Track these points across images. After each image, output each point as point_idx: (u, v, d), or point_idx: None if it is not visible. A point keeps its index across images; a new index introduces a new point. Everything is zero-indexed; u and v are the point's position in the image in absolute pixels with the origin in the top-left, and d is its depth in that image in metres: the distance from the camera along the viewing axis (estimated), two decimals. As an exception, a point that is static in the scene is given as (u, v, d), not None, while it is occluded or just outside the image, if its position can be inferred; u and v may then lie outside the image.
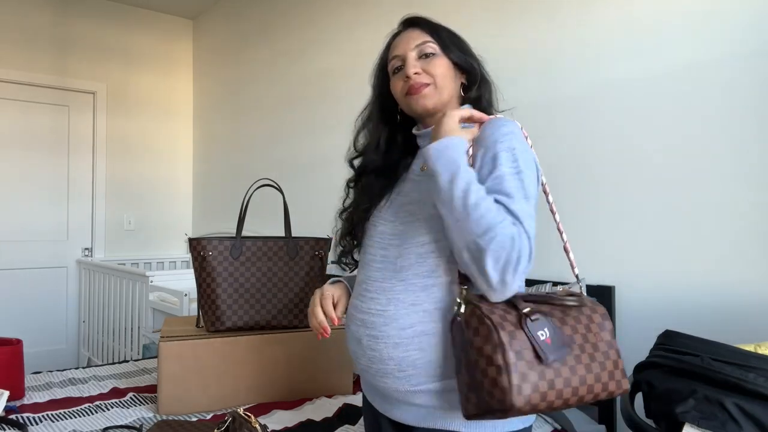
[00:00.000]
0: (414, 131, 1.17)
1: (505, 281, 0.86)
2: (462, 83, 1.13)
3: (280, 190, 2.02)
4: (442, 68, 1.08)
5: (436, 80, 1.07)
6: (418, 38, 1.10)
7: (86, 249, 4.19)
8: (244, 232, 1.95)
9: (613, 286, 1.81)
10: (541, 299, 0.92)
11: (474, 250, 0.87)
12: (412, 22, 1.14)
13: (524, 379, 0.81)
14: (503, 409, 0.82)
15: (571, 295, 0.94)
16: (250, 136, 3.89)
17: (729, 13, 1.59)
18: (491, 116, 1.05)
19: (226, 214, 4.09)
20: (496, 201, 0.90)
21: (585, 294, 0.98)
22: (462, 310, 0.92)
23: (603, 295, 1.82)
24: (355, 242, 1.19)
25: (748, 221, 1.54)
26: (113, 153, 4.26)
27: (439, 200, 0.94)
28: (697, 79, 1.65)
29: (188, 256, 4.29)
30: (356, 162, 1.24)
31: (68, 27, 4.09)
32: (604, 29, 1.88)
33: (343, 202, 1.25)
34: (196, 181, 4.61)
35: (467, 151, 0.96)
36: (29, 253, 3.95)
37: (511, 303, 0.90)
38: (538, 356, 0.83)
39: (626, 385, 0.89)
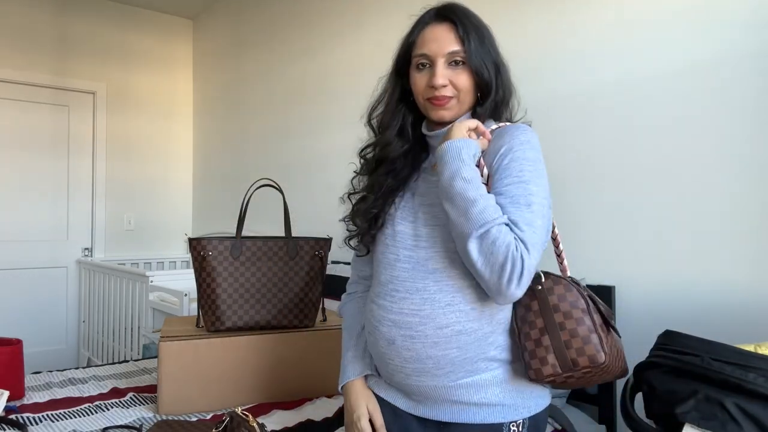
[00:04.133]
0: (424, 131, 1.17)
1: (500, 283, 0.93)
2: (478, 94, 1.12)
3: (280, 190, 2.02)
4: (468, 81, 1.08)
5: (460, 95, 1.09)
6: (449, 43, 1.07)
7: (86, 249, 4.19)
8: (245, 232, 1.95)
9: (613, 286, 1.81)
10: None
11: (471, 246, 0.94)
12: (446, 16, 1.10)
13: (606, 339, 0.98)
14: (593, 365, 0.96)
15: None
16: (250, 136, 3.89)
17: (728, 13, 1.59)
18: (507, 123, 1.10)
19: (226, 214, 4.09)
20: (500, 205, 0.96)
21: None
22: (543, 279, 1.03)
23: (603, 295, 1.82)
24: (371, 230, 1.14)
25: (748, 221, 1.54)
26: (113, 153, 4.26)
27: (442, 195, 0.99)
28: (696, 79, 1.65)
29: (188, 256, 4.29)
30: (372, 143, 1.20)
31: (68, 27, 4.09)
32: (605, 29, 1.88)
33: (352, 180, 1.22)
34: (196, 181, 4.61)
35: (474, 155, 1.00)
36: (29, 253, 3.95)
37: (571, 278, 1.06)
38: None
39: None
